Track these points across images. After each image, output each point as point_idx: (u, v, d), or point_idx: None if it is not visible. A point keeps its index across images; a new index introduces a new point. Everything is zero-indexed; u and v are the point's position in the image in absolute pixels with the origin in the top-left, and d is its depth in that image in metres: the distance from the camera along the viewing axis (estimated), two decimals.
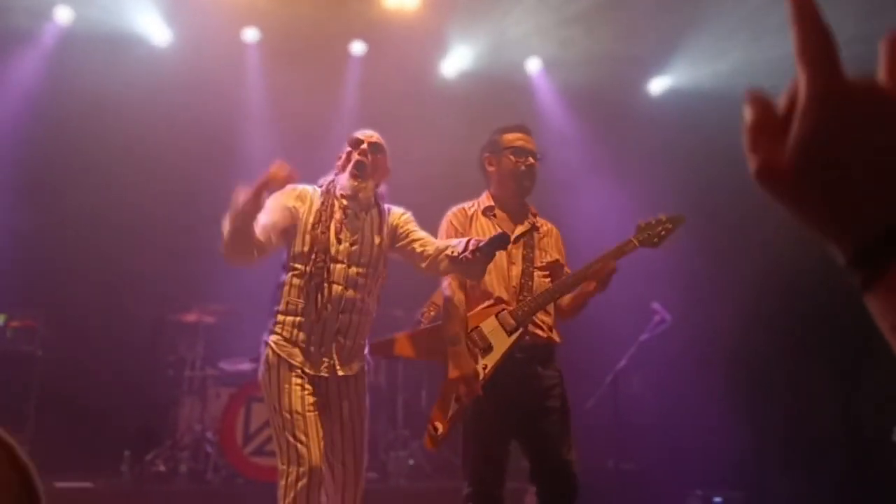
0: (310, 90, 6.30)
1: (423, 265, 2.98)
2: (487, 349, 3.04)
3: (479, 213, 3.25)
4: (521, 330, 3.03)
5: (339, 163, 3.09)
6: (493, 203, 3.27)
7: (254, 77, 6.58)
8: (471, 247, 2.71)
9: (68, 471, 5.22)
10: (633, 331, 5.49)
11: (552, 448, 3.07)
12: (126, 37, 6.17)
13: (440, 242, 2.97)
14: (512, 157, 3.22)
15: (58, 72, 6.06)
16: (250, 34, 6.47)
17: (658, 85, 6.95)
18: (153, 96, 6.00)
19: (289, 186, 2.97)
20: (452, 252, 2.79)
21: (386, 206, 3.13)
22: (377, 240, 3.03)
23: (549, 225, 3.35)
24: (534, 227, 3.25)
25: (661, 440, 5.88)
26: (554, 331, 3.18)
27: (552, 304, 3.17)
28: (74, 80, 5.96)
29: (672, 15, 6.09)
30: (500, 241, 2.68)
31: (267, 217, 2.89)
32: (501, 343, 3.03)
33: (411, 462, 5.59)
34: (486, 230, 3.18)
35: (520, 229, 3.22)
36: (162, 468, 5.37)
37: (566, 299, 3.19)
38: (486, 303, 3.09)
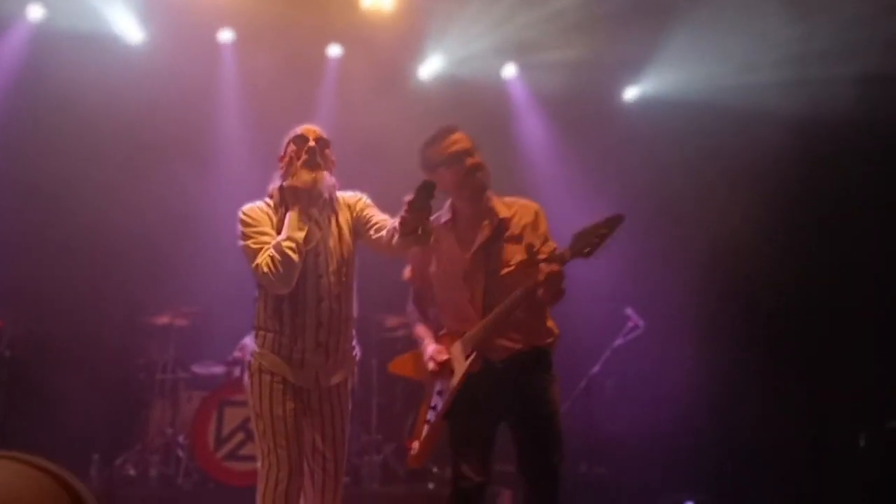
0: (285, 92, 6.27)
1: (380, 248, 2.93)
2: (451, 373, 3.05)
3: (442, 231, 3.13)
4: (473, 354, 2.98)
5: (283, 164, 2.97)
6: (451, 216, 3.17)
7: (229, 78, 6.54)
8: (403, 210, 2.63)
9: None
10: (607, 337, 5.53)
11: (537, 451, 3.10)
12: (98, 37, 6.10)
13: (391, 221, 2.86)
14: (449, 168, 3.08)
15: (28, 69, 5.98)
16: (225, 35, 6.42)
17: (632, 92, 7.01)
18: (126, 96, 5.93)
19: (249, 205, 2.94)
20: (395, 224, 2.74)
21: (338, 194, 3.04)
22: (340, 238, 2.98)
23: (523, 207, 3.16)
24: (499, 228, 3.09)
25: (633, 445, 5.92)
26: (538, 336, 3.10)
27: (536, 309, 3.06)
28: (44, 78, 5.88)
29: (646, 23, 6.15)
30: (425, 190, 2.55)
31: (272, 232, 2.88)
32: (460, 367, 3.02)
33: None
34: (447, 253, 3.13)
35: (480, 238, 3.09)
36: (132, 472, 5.31)
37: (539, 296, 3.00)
38: (458, 328, 3.08)
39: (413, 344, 3.37)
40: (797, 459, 5.84)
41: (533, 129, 6.89)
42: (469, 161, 3.07)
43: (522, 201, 3.20)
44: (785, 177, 5.90)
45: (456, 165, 3.07)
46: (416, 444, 3.14)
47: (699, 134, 6.13)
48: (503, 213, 3.12)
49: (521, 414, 3.10)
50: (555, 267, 2.82)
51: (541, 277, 2.83)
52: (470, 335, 3.01)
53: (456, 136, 3.13)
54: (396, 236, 2.74)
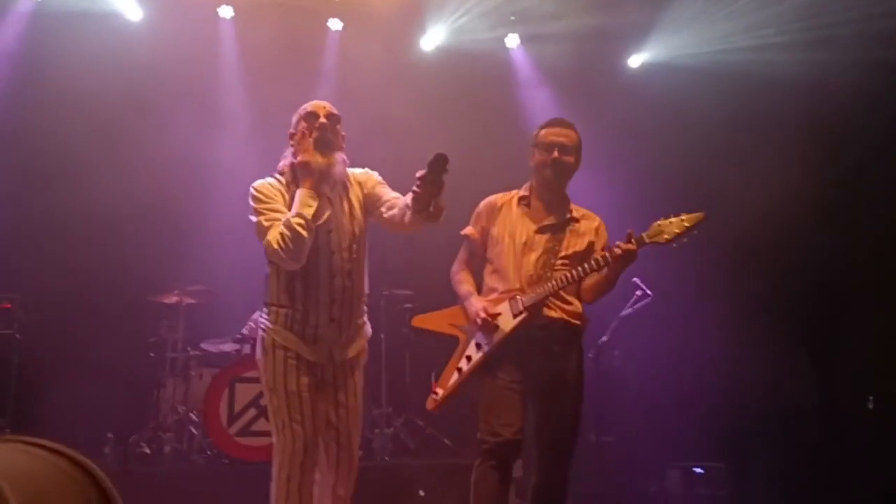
0: (286, 67, 6.23)
1: (392, 226, 2.95)
2: (494, 329, 3.18)
3: (514, 202, 3.36)
4: (525, 314, 3.13)
5: (294, 141, 2.96)
6: (528, 193, 3.36)
7: (229, 54, 6.49)
8: (416, 184, 2.66)
9: None
10: (615, 306, 5.53)
11: (552, 431, 3.23)
12: (98, 14, 6.05)
13: (403, 199, 2.92)
14: (539, 152, 3.31)
15: (28, 49, 5.95)
16: (225, 10, 6.37)
17: (637, 59, 6.94)
18: (127, 74, 5.91)
19: (264, 189, 2.93)
20: (407, 202, 2.79)
21: (348, 170, 3.05)
22: (352, 216, 2.98)
23: (590, 216, 3.39)
24: (570, 220, 3.31)
25: (643, 414, 5.95)
26: (573, 316, 3.26)
27: (573, 293, 3.26)
28: (45, 57, 5.85)
29: None
30: (437, 161, 2.58)
31: (283, 208, 2.88)
32: (506, 325, 3.16)
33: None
34: (514, 220, 3.31)
35: (550, 220, 3.29)
36: (146, 450, 5.36)
37: (587, 283, 3.24)
38: (504, 289, 3.22)
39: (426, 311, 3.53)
40: (806, 424, 5.86)
41: (537, 99, 6.83)
42: (556, 154, 3.26)
43: (588, 212, 3.42)
44: (794, 141, 5.84)
45: (543, 152, 3.28)
46: (440, 391, 3.24)
47: (704, 100, 6.06)
48: (575, 213, 3.35)
49: (545, 384, 3.20)
50: (631, 246, 3.00)
51: (617, 251, 3.00)
52: (529, 297, 3.15)
53: (564, 130, 3.34)
54: (409, 213, 2.76)
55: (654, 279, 5.52)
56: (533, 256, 3.22)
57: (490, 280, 3.33)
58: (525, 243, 3.24)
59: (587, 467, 5.15)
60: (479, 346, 3.21)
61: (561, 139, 3.31)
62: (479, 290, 3.36)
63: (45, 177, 5.89)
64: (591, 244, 3.31)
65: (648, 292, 5.40)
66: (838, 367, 5.85)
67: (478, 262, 3.44)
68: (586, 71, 6.66)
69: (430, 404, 3.31)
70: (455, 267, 3.44)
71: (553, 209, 3.32)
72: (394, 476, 5.29)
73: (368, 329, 3.12)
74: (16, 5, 6.01)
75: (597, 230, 3.36)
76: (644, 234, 3.04)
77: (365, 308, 3.08)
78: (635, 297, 5.45)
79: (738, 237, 6.21)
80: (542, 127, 3.38)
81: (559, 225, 3.29)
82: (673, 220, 3.04)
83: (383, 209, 2.96)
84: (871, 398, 5.50)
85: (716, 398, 6.00)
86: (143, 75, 5.96)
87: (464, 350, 3.26)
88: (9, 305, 5.53)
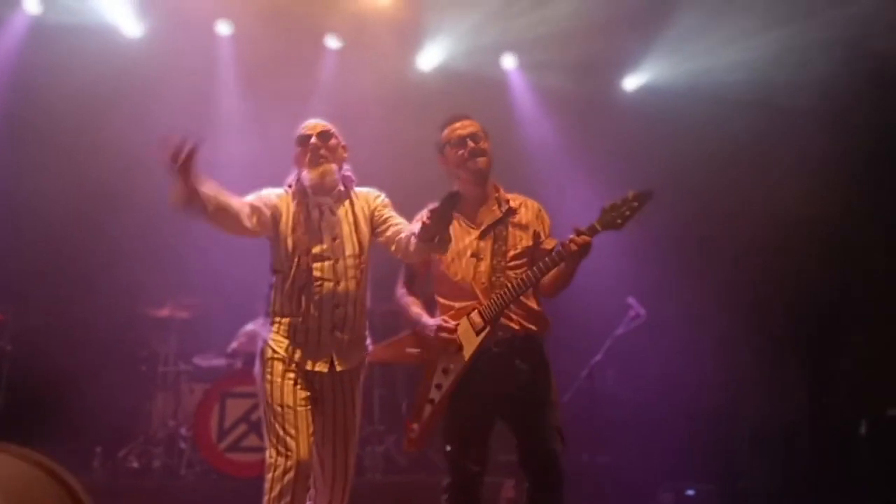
0: (284, 85, 6.26)
1: (396, 250, 2.97)
2: (458, 349, 3.07)
3: None
4: (488, 329, 3.03)
5: (296, 162, 3.08)
6: None
7: (227, 70, 6.52)
8: (425, 215, 2.69)
9: None
10: (609, 325, 5.54)
11: (535, 438, 3.10)
12: (97, 30, 6.08)
13: (410, 226, 2.94)
14: (451, 149, 3.21)
15: (25, 62, 5.96)
16: (223, 27, 6.40)
17: (632, 82, 6.98)
18: (124, 89, 5.92)
19: (264, 191, 3.02)
20: (416, 230, 2.79)
21: (355, 188, 3.12)
22: (356, 226, 3.02)
23: (528, 203, 3.29)
24: (507, 213, 3.20)
25: (636, 434, 5.94)
26: (534, 322, 3.15)
27: (531, 295, 3.15)
28: (43, 72, 5.86)
29: (646, 11, 6.12)
30: (451, 200, 2.63)
31: (258, 200, 2.95)
32: (470, 343, 3.05)
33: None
34: (455, 227, 3.12)
35: (488, 220, 3.18)
36: (135, 464, 5.33)
37: (546, 279, 3.08)
38: (460, 305, 3.11)
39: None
40: (799, 447, 5.85)
41: (533, 119, 6.86)
42: (471, 145, 3.19)
43: (524, 198, 3.31)
44: (792, 163, 5.87)
45: (459, 147, 3.19)
46: (415, 427, 3.11)
47: (699, 123, 6.10)
48: (511, 202, 3.24)
49: (516, 402, 3.10)
50: (586, 238, 2.91)
51: (573, 247, 2.90)
52: (488, 308, 3.04)
53: (465, 121, 3.26)
54: (414, 242, 2.79)
55: (648, 299, 5.54)
56: (483, 266, 3.12)
57: (444, 300, 3.20)
58: (472, 254, 3.14)
59: (579, 488, 5.13)
60: (446, 371, 3.09)
61: (468, 129, 3.22)
62: (433, 313, 3.23)
63: (39, 190, 5.88)
64: (536, 234, 3.20)
65: (642, 311, 5.41)
66: (832, 389, 5.86)
67: (421, 282, 3.31)
68: (582, 94, 6.70)
69: (407, 445, 3.20)
70: (399, 291, 3.31)
71: (487, 205, 3.21)
72: (385, 494, 5.26)
73: (370, 344, 3.13)
74: (12, 19, 6.02)
75: (538, 217, 3.26)
76: (596, 223, 2.93)
77: (366, 323, 3.10)
78: (629, 316, 5.47)
79: (733, 259, 6.23)
80: (443, 127, 3.28)
81: (500, 221, 3.18)
82: (620, 202, 2.96)
83: (388, 231, 3.00)
84: (863, 421, 5.50)
85: (708, 419, 5.99)
86: (140, 91, 5.97)
87: (431, 378, 3.12)
88: (2, 317, 5.51)
